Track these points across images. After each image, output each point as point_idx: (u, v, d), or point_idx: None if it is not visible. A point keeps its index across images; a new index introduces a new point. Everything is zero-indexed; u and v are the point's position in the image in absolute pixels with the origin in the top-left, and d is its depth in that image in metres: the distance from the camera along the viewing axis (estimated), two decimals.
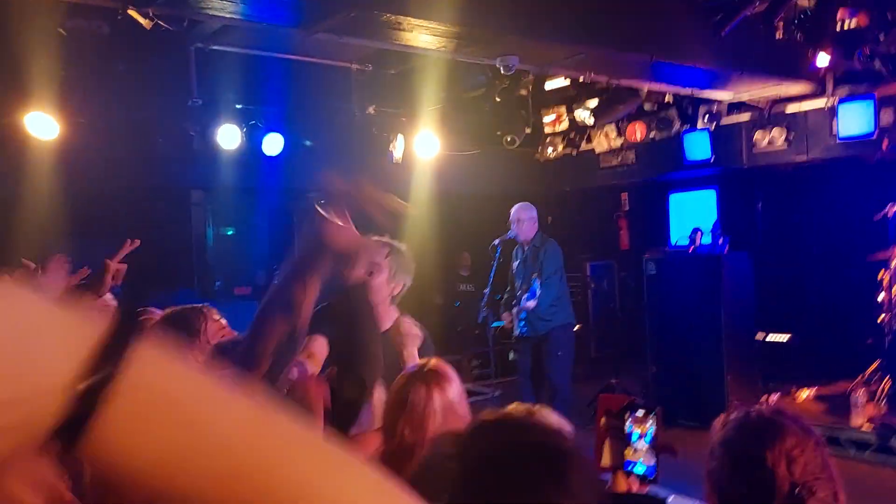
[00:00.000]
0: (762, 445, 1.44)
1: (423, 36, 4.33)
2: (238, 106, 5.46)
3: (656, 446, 1.54)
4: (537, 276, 5.43)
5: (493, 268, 5.74)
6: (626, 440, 1.56)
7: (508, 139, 6.68)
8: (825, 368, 6.17)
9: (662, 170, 7.67)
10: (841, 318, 6.42)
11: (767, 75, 5.50)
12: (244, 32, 4.54)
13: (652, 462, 1.54)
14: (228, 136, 5.40)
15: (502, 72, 5.08)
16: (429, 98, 5.87)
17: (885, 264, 5.43)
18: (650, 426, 1.55)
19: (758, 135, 6.62)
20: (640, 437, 1.55)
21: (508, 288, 5.77)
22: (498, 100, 6.16)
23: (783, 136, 6.48)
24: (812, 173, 6.68)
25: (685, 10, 4.95)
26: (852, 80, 5.86)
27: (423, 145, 6.40)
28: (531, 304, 5.36)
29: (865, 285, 5.83)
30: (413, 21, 4.03)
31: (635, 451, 1.55)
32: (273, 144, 5.72)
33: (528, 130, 6.56)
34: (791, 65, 5.47)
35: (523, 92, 6.14)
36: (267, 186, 6.63)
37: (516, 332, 5.60)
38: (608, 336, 7.86)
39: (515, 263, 5.73)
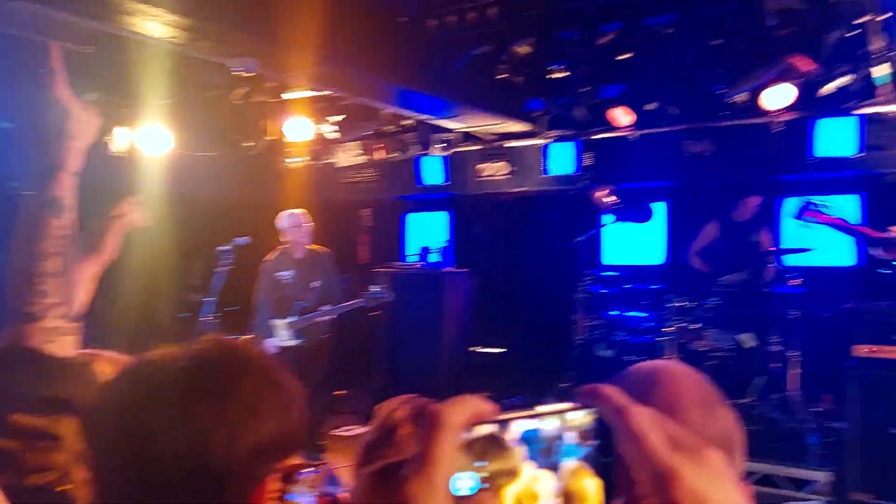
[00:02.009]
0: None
1: (150, 23, 4.04)
2: None
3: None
4: (323, 285, 5.65)
5: (223, 275, 5.53)
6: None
7: (247, 144, 6.51)
8: (532, 379, 6.86)
9: (400, 190, 8.02)
10: (546, 333, 7.20)
11: (491, 112, 6.03)
12: None
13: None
14: None
15: (238, 74, 4.94)
16: (159, 90, 5.48)
17: (578, 286, 6.23)
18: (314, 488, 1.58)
19: (483, 165, 7.25)
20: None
21: (276, 297, 5.66)
22: (236, 103, 5.97)
23: (504, 169, 7.17)
24: (527, 203, 7.46)
25: (425, 40, 5.24)
26: (561, 124, 6.67)
27: (151, 140, 5.96)
28: (332, 316, 5.51)
29: (565, 305, 6.62)
30: (136, 5, 3.74)
31: None
32: None
33: (267, 137, 6.45)
34: (510, 105, 6.06)
35: (263, 98, 6.02)
36: None
37: (282, 343, 5.56)
38: (342, 348, 7.95)
39: (285, 274, 5.64)
